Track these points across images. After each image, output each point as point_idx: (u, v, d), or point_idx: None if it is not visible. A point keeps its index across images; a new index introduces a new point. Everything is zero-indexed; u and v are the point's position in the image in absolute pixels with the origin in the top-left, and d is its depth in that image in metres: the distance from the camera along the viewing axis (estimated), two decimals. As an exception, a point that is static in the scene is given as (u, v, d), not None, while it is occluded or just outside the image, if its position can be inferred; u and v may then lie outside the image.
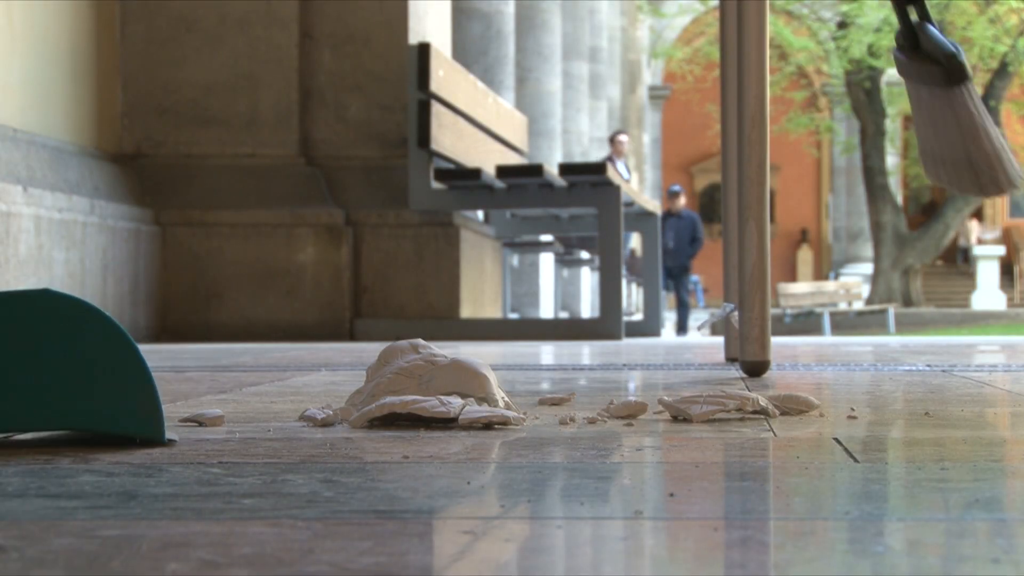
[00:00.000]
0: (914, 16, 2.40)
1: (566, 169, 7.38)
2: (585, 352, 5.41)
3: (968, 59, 21.99)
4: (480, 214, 8.39)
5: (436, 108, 7.09)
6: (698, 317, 20.36)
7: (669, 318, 20.44)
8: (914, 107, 2.37)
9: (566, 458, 1.79)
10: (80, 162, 6.47)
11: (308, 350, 5.43)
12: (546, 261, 13.20)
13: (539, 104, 15.27)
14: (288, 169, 7.18)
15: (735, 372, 3.63)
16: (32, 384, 1.93)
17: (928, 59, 2.32)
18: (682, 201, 18.64)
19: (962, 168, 2.31)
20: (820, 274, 39.38)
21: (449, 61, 7.51)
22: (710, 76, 27.30)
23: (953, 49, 2.35)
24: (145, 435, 1.92)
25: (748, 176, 3.41)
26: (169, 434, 1.96)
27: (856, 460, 1.74)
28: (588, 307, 16.77)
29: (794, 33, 29.45)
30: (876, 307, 25.52)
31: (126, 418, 1.93)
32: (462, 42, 11.77)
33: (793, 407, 2.44)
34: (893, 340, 7.43)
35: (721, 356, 4.34)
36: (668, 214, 18.06)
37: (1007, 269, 36.64)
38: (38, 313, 1.94)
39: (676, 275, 18.19)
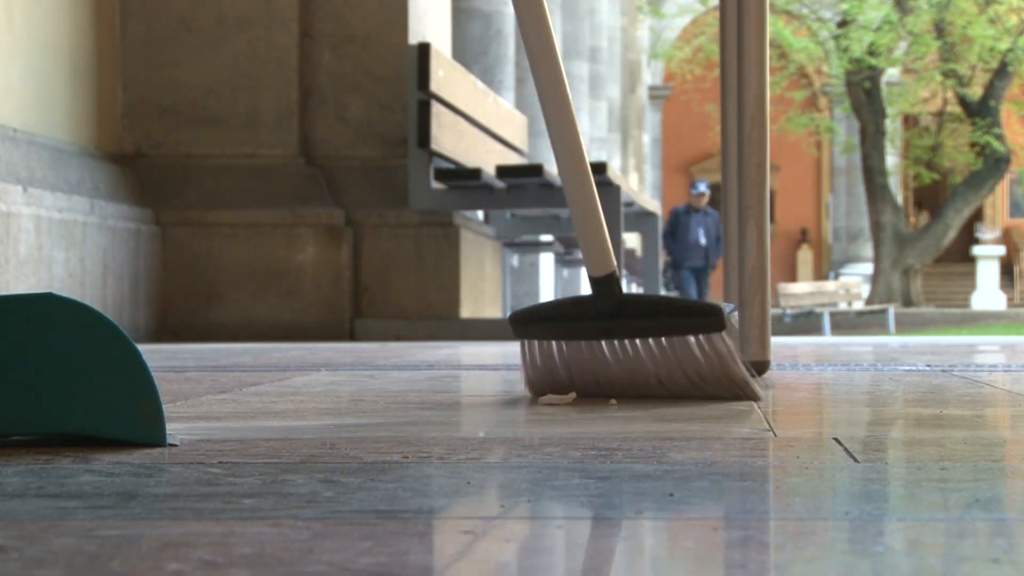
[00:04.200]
0: None
1: (566, 169, 7.36)
2: (585, 352, 5.40)
3: (968, 59, 21.79)
4: (480, 214, 8.39)
5: (436, 108, 7.09)
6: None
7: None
8: None
9: (566, 458, 1.79)
10: (80, 162, 6.47)
11: (308, 350, 5.43)
12: (546, 261, 13.20)
13: (539, 104, 15.25)
14: (288, 169, 7.18)
15: (735, 372, 3.62)
16: (34, 388, 1.93)
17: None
18: (706, 198, 18.23)
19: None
20: (820, 274, 39.37)
21: (449, 61, 7.51)
22: (710, 76, 27.30)
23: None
24: (146, 441, 1.92)
25: (748, 176, 3.41)
26: (171, 439, 1.95)
27: (856, 460, 1.74)
28: (588, 307, 16.69)
29: (794, 33, 29.43)
30: (876, 307, 25.51)
31: (128, 424, 1.93)
32: (462, 42, 11.77)
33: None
34: (893, 340, 7.43)
35: (721, 356, 4.33)
36: (691, 210, 17.73)
37: (1007, 269, 36.65)
38: (41, 317, 1.94)
39: (700, 273, 17.70)
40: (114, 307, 6.32)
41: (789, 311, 23.86)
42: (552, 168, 7.88)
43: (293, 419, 2.36)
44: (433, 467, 1.70)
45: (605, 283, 2.75)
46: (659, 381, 2.65)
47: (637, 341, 2.66)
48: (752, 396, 2.61)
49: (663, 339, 2.64)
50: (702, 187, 18.42)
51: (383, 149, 7.24)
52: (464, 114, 7.72)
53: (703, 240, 17.45)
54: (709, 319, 2.63)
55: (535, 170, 7.28)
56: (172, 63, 7.14)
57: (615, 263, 2.79)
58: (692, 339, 2.63)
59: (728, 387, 2.62)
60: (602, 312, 2.71)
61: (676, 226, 17.93)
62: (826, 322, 23.27)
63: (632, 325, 2.68)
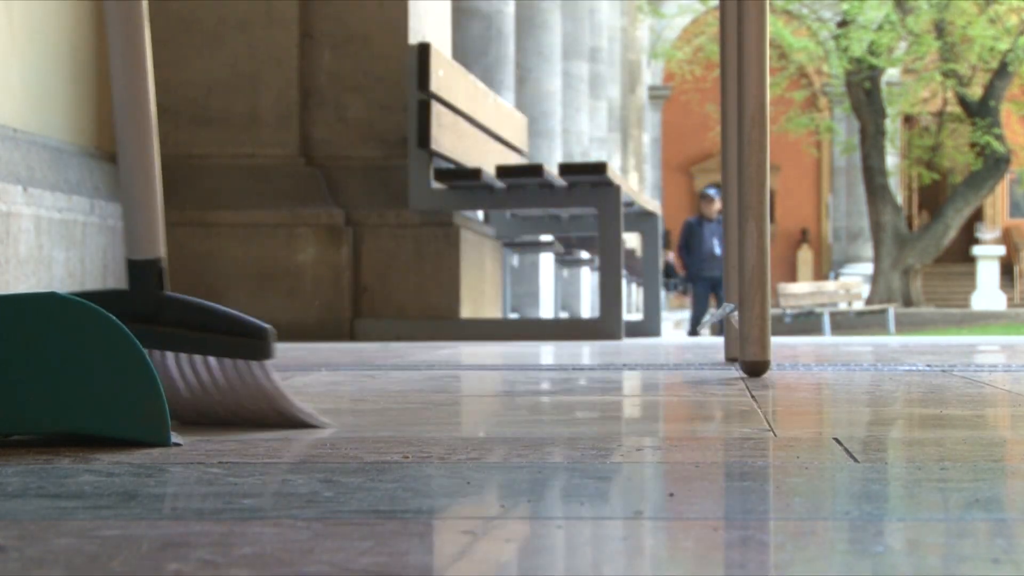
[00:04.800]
0: None
1: (566, 169, 7.38)
2: (585, 352, 5.41)
3: (968, 59, 21.62)
4: (480, 214, 8.39)
5: (436, 108, 7.09)
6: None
7: (669, 319, 20.18)
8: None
9: (566, 458, 1.79)
10: (80, 162, 6.47)
11: (308, 350, 5.43)
12: (546, 261, 13.20)
13: (539, 104, 15.27)
14: (288, 169, 7.18)
15: (735, 372, 3.63)
16: (37, 387, 1.93)
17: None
18: (717, 205, 17.77)
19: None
20: (820, 274, 39.37)
21: (449, 61, 7.51)
22: (710, 76, 27.31)
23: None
24: (150, 439, 1.92)
25: (748, 176, 3.42)
26: (174, 438, 1.95)
27: (856, 460, 1.74)
28: (588, 307, 16.75)
29: (794, 33, 29.43)
30: (876, 307, 25.52)
31: (131, 422, 1.93)
32: (462, 42, 11.77)
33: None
34: (893, 340, 7.43)
35: (721, 356, 4.34)
36: (703, 220, 17.34)
37: (1007, 269, 36.65)
38: (44, 316, 1.94)
39: (718, 284, 17.11)
40: (114, 307, 6.32)
41: (789, 311, 23.86)
42: (552, 168, 7.88)
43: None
44: (433, 467, 1.70)
45: (146, 271, 2.20)
46: (197, 411, 2.21)
47: (169, 355, 2.19)
48: (315, 425, 2.21)
49: (198, 357, 2.19)
50: (711, 192, 17.90)
51: (383, 149, 7.24)
52: (464, 114, 7.72)
53: (718, 250, 17.08)
54: (249, 343, 2.21)
55: (535, 170, 7.28)
56: (172, 63, 7.14)
57: (163, 249, 2.25)
58: (231, 363, 2.20)
59: (282, 421, 2.20)
60: (135, 312, 2.17)
61: (690, 238, 17.59)
62: (826, 322, 23.27)
63: (167, 333, 2.19)
